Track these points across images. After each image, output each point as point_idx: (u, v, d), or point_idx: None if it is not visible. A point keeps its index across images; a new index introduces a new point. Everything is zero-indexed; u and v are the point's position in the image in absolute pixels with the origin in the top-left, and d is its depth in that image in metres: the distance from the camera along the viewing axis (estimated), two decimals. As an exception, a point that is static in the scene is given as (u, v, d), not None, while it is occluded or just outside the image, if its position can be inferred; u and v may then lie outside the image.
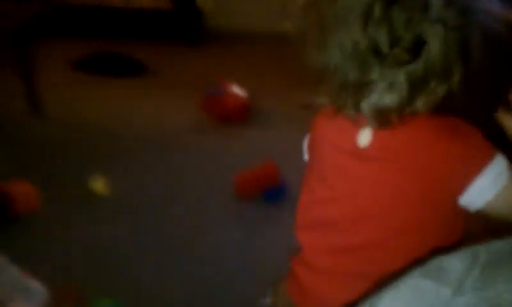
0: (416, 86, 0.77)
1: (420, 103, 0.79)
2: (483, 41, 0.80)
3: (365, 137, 0.85)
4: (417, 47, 0.75)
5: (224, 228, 2.18)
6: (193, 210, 2.29)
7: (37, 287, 1.47)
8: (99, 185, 2.33)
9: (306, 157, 1.03)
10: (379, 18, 0.75)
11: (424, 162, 0.81)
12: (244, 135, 3.04)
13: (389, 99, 0.78)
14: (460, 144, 0.81)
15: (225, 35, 5.00)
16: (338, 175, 0.90)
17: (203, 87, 3.26)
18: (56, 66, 3.76)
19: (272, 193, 2.31)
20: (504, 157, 0.82)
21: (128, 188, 2.42)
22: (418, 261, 0.70)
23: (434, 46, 0.76)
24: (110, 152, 2.74)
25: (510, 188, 0.81)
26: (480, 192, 0.81)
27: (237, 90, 3.22)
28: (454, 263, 0.64)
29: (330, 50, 0.79)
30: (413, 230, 0.84)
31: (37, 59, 3.09)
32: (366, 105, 0.79)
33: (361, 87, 0.78)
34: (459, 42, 0.77)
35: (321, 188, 0.93)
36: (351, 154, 0.87)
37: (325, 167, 0.92)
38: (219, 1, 5.09)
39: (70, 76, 3.70)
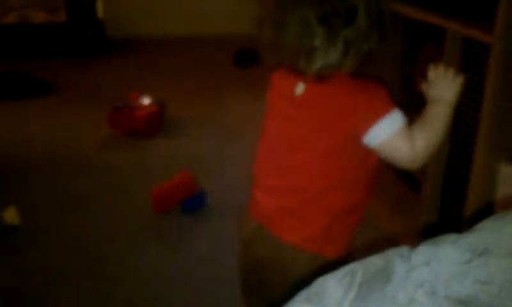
0: (348, 46, 1.04)
1: (349, 61, 1.05)
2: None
3: (299, 88, 1.13)
4: (351, 15, 1.02)
5: (144, 244, 2.16)
6: (110, 230, 2.24)
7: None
8: (9, 214, 2.23)
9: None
10: None
11: (337, 108, 1.08)
12: (156, 147, 3.01)
13: (331, 58, 1.04)
14: (365, 97, 1.07)
15: (127, 43, 4.92)
16: (278, 114, 1.19)
17: (109, 100, 3.20)
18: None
19: (191, 202, 2.31)
20: (401, 113, 1.08)
21: (39, 213, 2.34)
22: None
23: (362, 13, 1.03)
24: (17, 178, 2.64)
25: (396, 137, 1.07)
26: (376, 134, 1.07)
27: (144, 101, 3.18)
28: (335, 285, 0.67)
29: (288, 24, 1.05)
30: (327, 157, 1.12)
31: None
32: (315, 63, 1.05)
33: (311, 50, 1.04)
34: (376, 10, 1.04)
35: (268, 124, 1.22)
36: (289, 100, 1.15)
37: (272, 109, 1.22)
38: (117, 9, 5.01)
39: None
